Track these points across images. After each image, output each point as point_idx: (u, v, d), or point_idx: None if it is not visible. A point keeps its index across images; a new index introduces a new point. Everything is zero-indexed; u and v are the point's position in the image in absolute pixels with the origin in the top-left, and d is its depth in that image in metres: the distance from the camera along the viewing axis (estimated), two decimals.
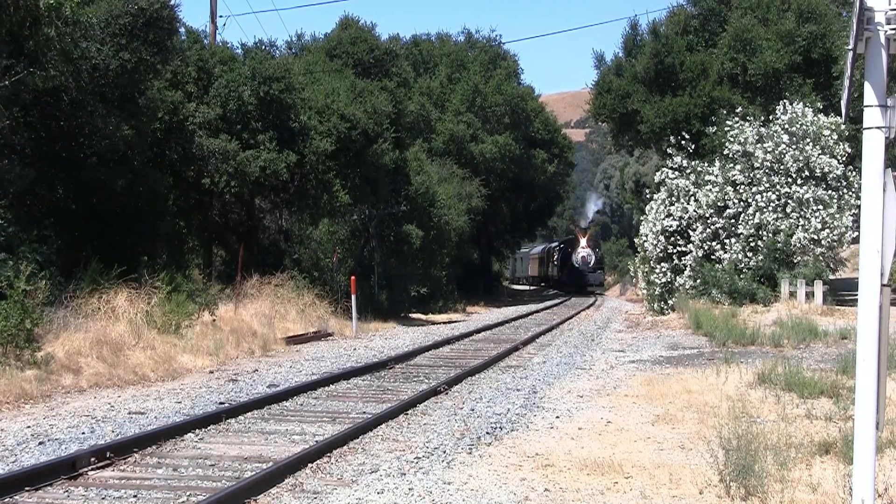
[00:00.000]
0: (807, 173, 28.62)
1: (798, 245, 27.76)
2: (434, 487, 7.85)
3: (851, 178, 28.53)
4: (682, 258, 30.36)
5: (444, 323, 33.81)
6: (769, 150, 28.87)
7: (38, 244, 16.93)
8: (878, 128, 5.85)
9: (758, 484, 7.26)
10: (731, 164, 29.68)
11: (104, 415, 11.55)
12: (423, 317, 36.96)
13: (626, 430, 10.46)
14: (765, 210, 28.40)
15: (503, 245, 72.39)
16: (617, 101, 40.21)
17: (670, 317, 29.20)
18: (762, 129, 29.66)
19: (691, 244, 29.91)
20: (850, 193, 28.25)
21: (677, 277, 30.47)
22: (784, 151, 28.73)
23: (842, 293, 28.05)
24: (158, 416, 11.53)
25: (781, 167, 28.75)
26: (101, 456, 8.79)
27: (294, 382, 14.69)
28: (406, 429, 10.83)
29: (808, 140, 28.92)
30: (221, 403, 12.44)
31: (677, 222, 30.50)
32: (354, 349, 21.06)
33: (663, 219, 30.84)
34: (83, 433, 10.28)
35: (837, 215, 27.90)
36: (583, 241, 71.71)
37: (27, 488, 7.78)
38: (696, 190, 30.12)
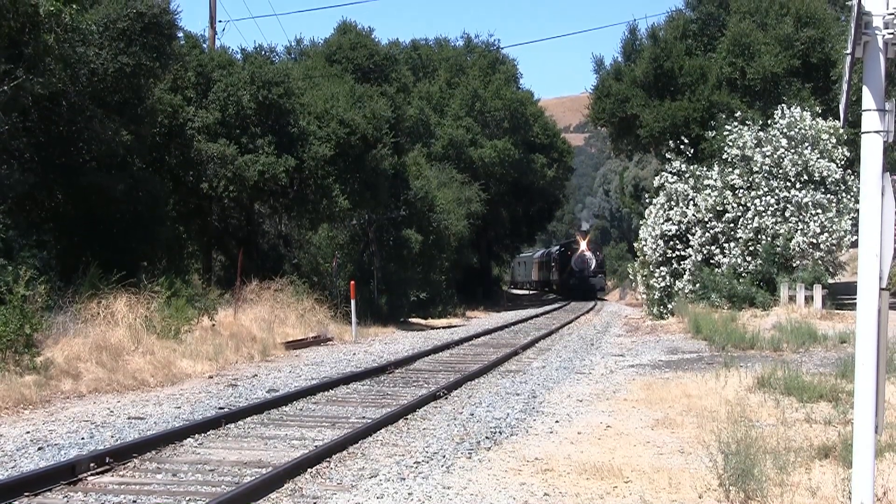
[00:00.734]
0: (805, 177, 28.63)
1: (797, 249, 27.78)
2: (434, 492, 7.85)
3: (850, 182, 28.55)
4: (682, 262, 30.37)
5: (444, 328, 33.80)
6: (768, 154, 28.89)
7: (37, 249, 16.93)
8: (876, 132, 5.86)
9: (757, 488, 7.26)
10: (730, 169, 29.70)
11: (103, 420, 11.54)
12: (422, 321, 36.96)
13: (625, 434, 10.46)
14: (764, 214, 28.41)
15: (503, 250, 72.48)
16: (616, 106, 40.26)
17: (670, 321, 29.20)
18: (761, 134, 29.68)
19: (690, 248, 29.92)
20: (849, 197, 28.27)
21: (676, 282, 30.48)
22: (783, 156, 28.74)
23: (841, 297, 28.05)
24: (158, 421, 11.52)
25: (780, 171, 28.76)
26: (101, 461, 8.78)
27: (294, 387, 14.68)
28: (405, 434, 10.82)
29: (807, 144, 28.95)
30: (221, 408, 12.43)
31: (676, 226, 30.51)
32: (354, 354, 21.05)
33: (662, 223, 30.85)
34: (82, 438, 10.27)
35: (836, 219, 27.92)
36: (583, 244, 69.70)
37: (26, 494, 7.77)
38: (695, 194, 30.15)
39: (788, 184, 28.60)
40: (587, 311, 45.07)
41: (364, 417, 11.90)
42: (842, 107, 7.02)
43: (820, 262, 27.90)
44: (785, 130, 29.22)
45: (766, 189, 28.64)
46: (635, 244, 34.50)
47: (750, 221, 28.57)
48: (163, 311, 18.12)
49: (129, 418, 11.70)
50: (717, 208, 29.44)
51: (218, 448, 9.94)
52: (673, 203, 30.83)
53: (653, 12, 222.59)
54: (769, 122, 30.16)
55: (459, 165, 47.77)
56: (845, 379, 12.43)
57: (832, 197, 28.56)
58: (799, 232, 27.89)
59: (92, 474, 8.54)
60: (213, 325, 20.11)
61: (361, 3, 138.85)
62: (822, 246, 27.85)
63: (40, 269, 15.84)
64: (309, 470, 8.74)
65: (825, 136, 29.02)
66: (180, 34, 24.93)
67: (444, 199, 40.31)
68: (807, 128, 29.13)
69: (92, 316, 16.53)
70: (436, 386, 14.69)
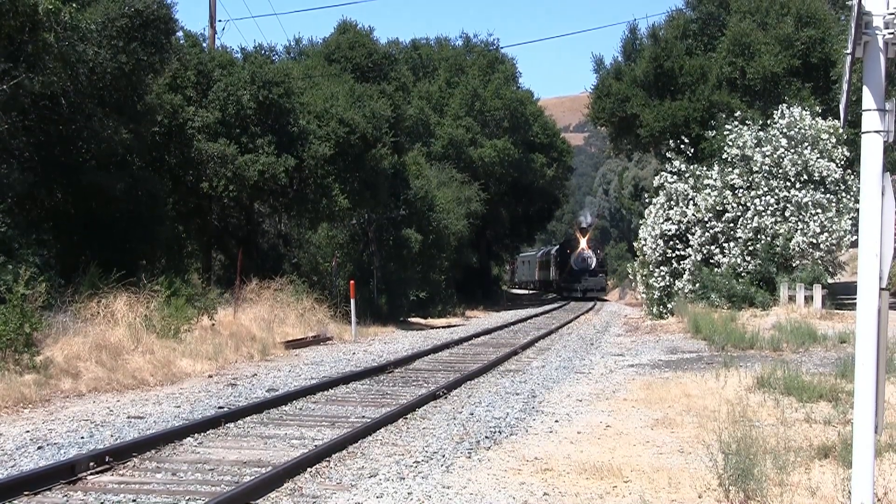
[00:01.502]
0: (805, 177, 28.65)
1: (797, 249, 27.78)
2: (433, 492, 7.84)
3: (850, 182, 28.56)
4: (681, 262, 30.37)
5: (443, 327, 33.80)
6: (768, 154, 28.89)
7: (37, 246, 16.92)
8: (876, 131, 5.86)
9: (757, 488, 7.26)
10: (730, 168, 29.71)
11: (103, 419, 11.54)
12: (422, 321, 36.96)
13: (625, 434, 10.46)
14: (763, 214, 28.41)
15: (502, 249, 72.36)
16: (616, 105, 40.28)
17: (669, 321, 29.20)
18: (761, 133, 29.69)
19: (690, 248, 29.92)
20: (849, 197, 28.28)
21: (676, 281, 30.48)
22: (783, 155, 28.75)
23: (841, 297, 28.06)
24: (157, 420, 11.52)
25: (780, 171, 28.76)
26: (100, 460, 8.78)
27: (293, 387, 14.68)
28: (405, 433, 10.82)
29: (807, 144, 28.95)
30: (220, 408, 12.42)
31: (676, 226, 30.51)
32: (354, 353, 21.05)
33: (662, 223, 30.85)
34: (82, 438, 10.26)
35: (836, 219, 27.92)
36: (583, 242, 67.75)
37: (26, 493, 7.77)
38: (694, 194, 30.15)
39: (788, 183, 28.61)
40: (587, 311, 45.07)
41: (364, 417, 11.90)
42: (842, 107, 7.02)
43: (819, 261, 27.90)
44: (785, 130, 29.23)
45: (765, 189, 28.64)
46: (635, 244, 34.50)
47: (750, 221, 28.57)
48: (162, 310, 18.11)
49: (128, 417, 11.70)
50: (717, 208, 29.44)
51: (217, 447, 9.93)
52: (673, 203, 30.83)
53: (653, 12, 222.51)
54: (769, 121, 30.17)
55: (459, 165, 47.78)
56: (845, 379, 12.44)
57: (832, 197, 28.57)
58: (799, 232, 27.90)
59: (91, 473, 8.54)
60: (213, 324, 20.11)
61: (361, 3, 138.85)
62: (821, 246, 27.86)
63: (40, 268, 15.82)
64: (308, 469, 8.74)
65: (825, 136, 29.03)
66: (180, 34, 24.97)
67: (443, 199, 40.32)
68: (807, 127, 29.13)
69: (91, 315, 16.53)
70: (435, 385, 14.69)
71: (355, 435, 10.28)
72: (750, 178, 29.16)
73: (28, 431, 10.65)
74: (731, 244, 28.91)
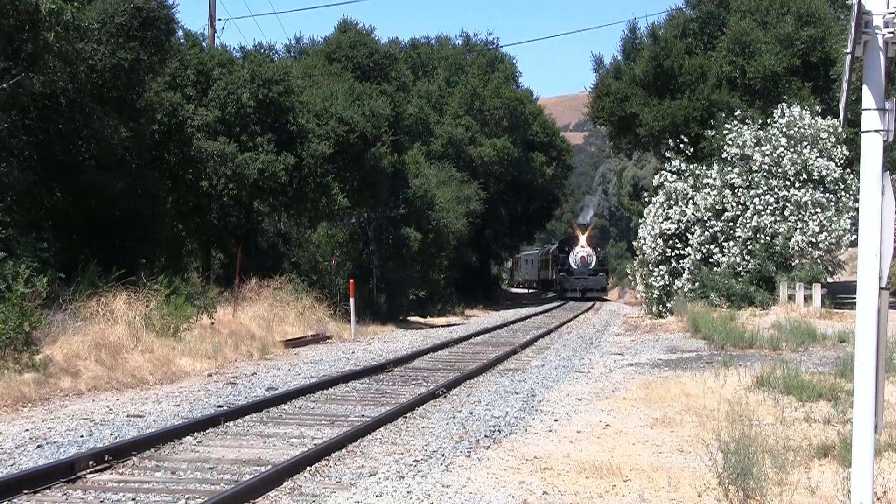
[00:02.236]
0: (805, 176, 28.65)
1: (796, 248, 27.79)
2: (433, 490, 7.85)
3: (849, 181, 28.56)
4: (681, 261, 30.37)
5: (443, 326, 33.80)
6: (767, 153, 28.89)
7: (35, 241, 16.90)
8: (876, 131, 5.86)
9: (756, 487, 7.26)
10: (730, 168, 29.71)
11: (102, 418, 11.54)
12: (421, 320, 36.97)
13: (624, 433, 10.46)
14: (763, 213, 28.42)
15: (502, 248, 72.23)
16: (616, 105, 40.27)
17: (669, 320, 29.20)
18: (760, 133, 29.68)
19: (689, 247, 29.92)
20: (848, 196, 28.28)
21: (675, 281, 30.49)
22: (782, 155, 28.75)
23: (840, 296, 28.06)
24: (157, 419, 11.52)
25: (779, 170, 28.77)
26: (100, 459, 8.78)
27: (292, 385, 14.68)
28: (405, 432, 10.82)
29: (807, 143, 28.96)
30: (220, 406, 12.43)
31: (675, 225, 30.52)
32: (353, 352, 21.05)
33: (661, 222, 30.85)
34: (81, 436, 10.27)
35: (835, 218, 27.93)
36: (582, 240, 63.90)
37: (25, 491, 7.77)
38: (694, 193, 30.15)
39: (788, 183, 28.61)
40: (586, 310, 45.07)
41: (363, 416, 11.90)
42: (842, 106, 7.02)
43: (819, 261, 27.91)
44: (784, 129, 29.23)
45: (765, 188, 28.65)
46: (634, 243, 34.52)
47: (749, 220, 28.58)
48: (162, 309, 18.11)
49: (128, 416, 11.70)
50: (717, 207, 29.45)
51: (217, 446, 9.94)
52: (672, 202, 30.84)
53: (653, 11, 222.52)
54: (769, 121, 30.17)
55: (458, 164, 47.78)
56: (844, 378, 12.43)
57: (831, 196, 28.57)
58: (798, 231, 27.91)
59: (91, 472, 8.54)
60: (213, 323, 20.11)
61: (361, 2, 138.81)
62: (821, 245, 27.86)
63: (40, 266, 15.81)
64: (308, 468, 8.75)
65: (824, 135, 29.03)
66: (179, 32, 24.96)
67: (443, 198, 40.32)
68: (806, 127, 29.13)
69: (91, 314, 16.52)
70: (435, 384, 14.70)
71: (355, 434, 10.28)
72: (749, 178, 29.16)
73: (27, 430, 10.65)
74: (731, 243, 28.91)
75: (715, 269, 28.64)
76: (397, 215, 36.61)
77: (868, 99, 5.85)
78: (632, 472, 8.42)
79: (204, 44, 29.80)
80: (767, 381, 12.89)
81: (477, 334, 26.73)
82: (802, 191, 28.29)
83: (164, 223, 23.02)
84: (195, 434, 10.40)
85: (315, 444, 9.78)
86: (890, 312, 6.62)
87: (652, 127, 37.86)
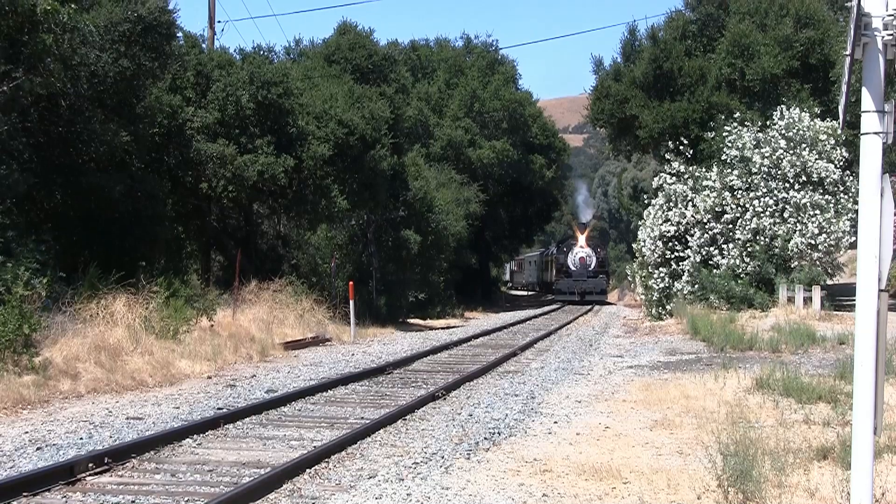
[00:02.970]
0: (804, 178, 28.66)
1: (795, 250, 27.78)
2: (432, 493, 7.85)
3: (848, 183, 28.56)
4: (680, 263, 30.37)
5: (442, 328, 33.79)
6: (767, 155, 28.91)
7: (35, 245, 16.89)
8: (875, 133, 5.86)
9: (756, 489, 7.26)
10: (729, 170, 29.72)
11: (102, 420, 11.53)
12: (421, 322, 36.96)
13: (624, 435, 10.46)
14: (762, 215, 28.42)
15: (501, 250, 72.18)
16: (615, 107, 40.24)
17: (668, 322, 29.20)
18: (760, 135, 29.70)
19: (689, 249, 29.92)
20: (847, 198, 28.28)
21: (675, 283, 30.47)
22: (781, 157, 28.76)
23: (839, 298, 28.07)
24: (156, 421, 11.52)
25: (779, 172, 28.78)
26: (100, 461, 8.78)
27: (292, 388, 14.67)
28: (404, 434, 10.82)
29: (806, 145, 28.97)
30: (219, 409, 12.42)
31: (675, 228, 30.52)
32: (352, 354, 21.05)
33: (661, 224, 30.85)
34: (81, 439, 10.26)
35: (834, 220, 27.93)
36: (581, 240, 60.43)
37: (25, 494, 7.77)
38: (693, 195, 30.15)
39: (787, 185, 28.62)
40: (586, 313, 45.06)
41: (363, 418, 11.90)
42: (841, 108, 7.02)
43: (818, 263, 27.91)
44: (783, 131, 29.25)
45: (764, 190, 28.65)
46: (634, 245, 34.50)
47: (748, 222, 28.58)
48: (161, 311, 18.11)
49: (127, 418, 11.70)
50: (716, 209, 29.45)
51: (216, 448, 9.93)
52: (672, 204, 30.83)
53: (652, 13, 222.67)
54: (768, 123, 30.18)
55: (458, 166, 47.79)
56: (844, 380, 12.44)
57: (830, 198, 28.57)
58: (797, 233, 27.91)
59: (90, 474, 8.54)
60: (212, 325, 20.10)
61: (360, 4, 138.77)
62: (820, 247, 27.86)
63: (40, 267, 15.80)
64: (308, 470, 8.74)
65: (823, 137, 29.05)
66: (179, 35, 24.92)
67: (442, 200, 40.33)
68: (805, 129, 29.15)
69: (91, 316, 16.51)
70: (434, 387, 14.69)
71: (354, 436, 10.28)
72: (749, 180, 29.17)
73: (27, 432, 10.65)
74: (730, 245, 28.91)
75: (714, 271, 28.64)
76: (397, 217, 36.62)
77: (867, 101, 5.85)
78: (631, 474, 8.42)
79: (203, 46, 29.81)
80: (767, 383, 12.90)
81: (476, 336, 26.71)
82: (802, 193, 28.30)
83: (163, 225, 23.00)
84: (195, 436, 10.40)
85: (314, 447, 9.77)
86: (889, 314, 6.62)
87: (651, 129, 37.83)
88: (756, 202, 28.59)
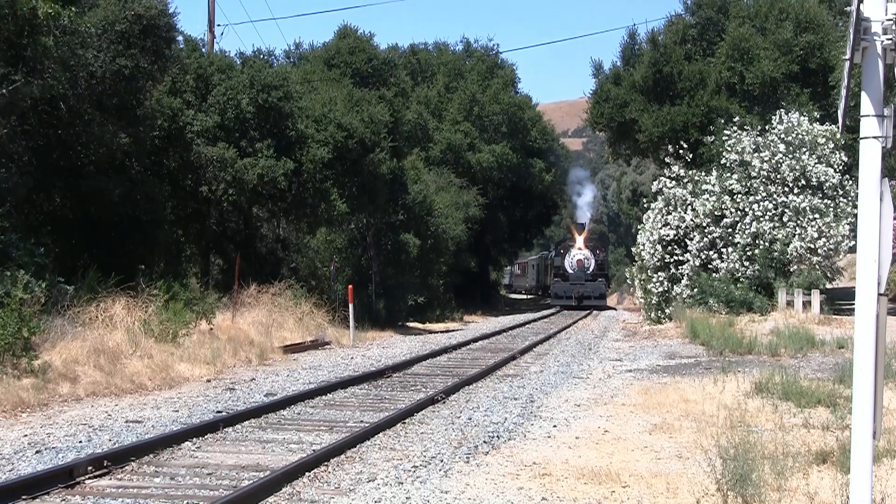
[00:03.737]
0: (803, 182, 28.67)
1: (795, 254, 27.78)
2: (431, 496, 7.84)
3: (848, 187, 28.57)
4: (680, 267, 30.37)
5: (442, 332, 33.79)
6: (766, 159, 28.93)
7: (35, 248, 16.89)
8: (874, 137, 5.86)
9: (755, 493, 7.26)
10: (729, 174, 29.73)
11: (101, 423, 11.53)
12: (420, 326, 36.94)
13: (623, 439, 10.46)
14: (762, 219, 28.42)
15: (501, 254, 72.12)
16: (615, 110, 40.29)
17: (667, 326, 29.20)
18: (759, 139, 29.72)
19: (688, 253, 29.93)
20: (847, 202, 28.28)
21: (674, 287, 30.47)
22: (781, 161, 28.78)
23: (839, 302, 28.06)
24: (156, 424, 11.51)
25: (778, 176, 28.79)
26: (99, 464, 8.78)
27: (291, 391, 14.68)
28: (403, 438, 10.82)
29: (805, 149, 28.98)
30: (219, 412, 12.43)
31: (674, 231, 30.52)
32: (352, 358, 21.04)
33: (660, 228, 30.86)
34: (80, 442, 10.26)
35: (834, 224, 27.92)
36: (579, 241, 58.27)
37: (24, 497, 7.77)
38: (693, 199, 30.16)
39: (786, 189, 28.64)
40: (585, 317, 45.07)
41: (362, 422, 11.89)
42: (840, 112, 7.03)
43: (817, 267, 27.90)
44: (783, 135, 29.27)
45: (764, 194, 28.66)
46: (633, 249, 34.50)
47: (748, 226, 28.58)
48: (161, 314, 18.09)
49: (126, 422, 11.69)
50: (716, 213, 29.45)
51: (216, 452, 9.93)
52: (671, 208, 30.84)
53: (652, 17, 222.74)
54: (767, 127, 30.20)
55: (457, 170, 47.76)
56: (843, 384, 12.45)
57: (830, 202, 28.58)
58: (797, 237, 27.90)
59: (90, 478, 8.54)
60: (211, 328, 20.07)
61: (360, 8, 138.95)
62: (819, 251, 27.85)
63: (39, 270, 15.80)
64: (307, 474, 8.75)
65: (823, 141, 29.06)
66: (179, 38, 24.95)
67: (442, 204, 40.30)
68: (805, 133, 29.17)
69: (90, 319, 16.50)
70: (434, 390, 14.70)
71: (353, 439, 10.28)
72: (748, 184, 29.18)
73: (26, 436, 10.64)
74: (730, 249, 28.91)
75: (714, 275, 28.64)
76: (396, 221, 36.60)
77: (867, 105, 5.86)
78: (630, 478, 8.42)
79: (203, 49, 29.82)
80: (766, 387, 12.90)
81: (476, 340, 26.73)
82: (801, 197, 28.30)
83: (163, 228, 23.00)
84: (194, 440, 10.40)
85: (314, 450, 9.78)
86: (889, 318, 6.62)
87: (651, 133, 37.87)
88: (755, 206, 28.60)
